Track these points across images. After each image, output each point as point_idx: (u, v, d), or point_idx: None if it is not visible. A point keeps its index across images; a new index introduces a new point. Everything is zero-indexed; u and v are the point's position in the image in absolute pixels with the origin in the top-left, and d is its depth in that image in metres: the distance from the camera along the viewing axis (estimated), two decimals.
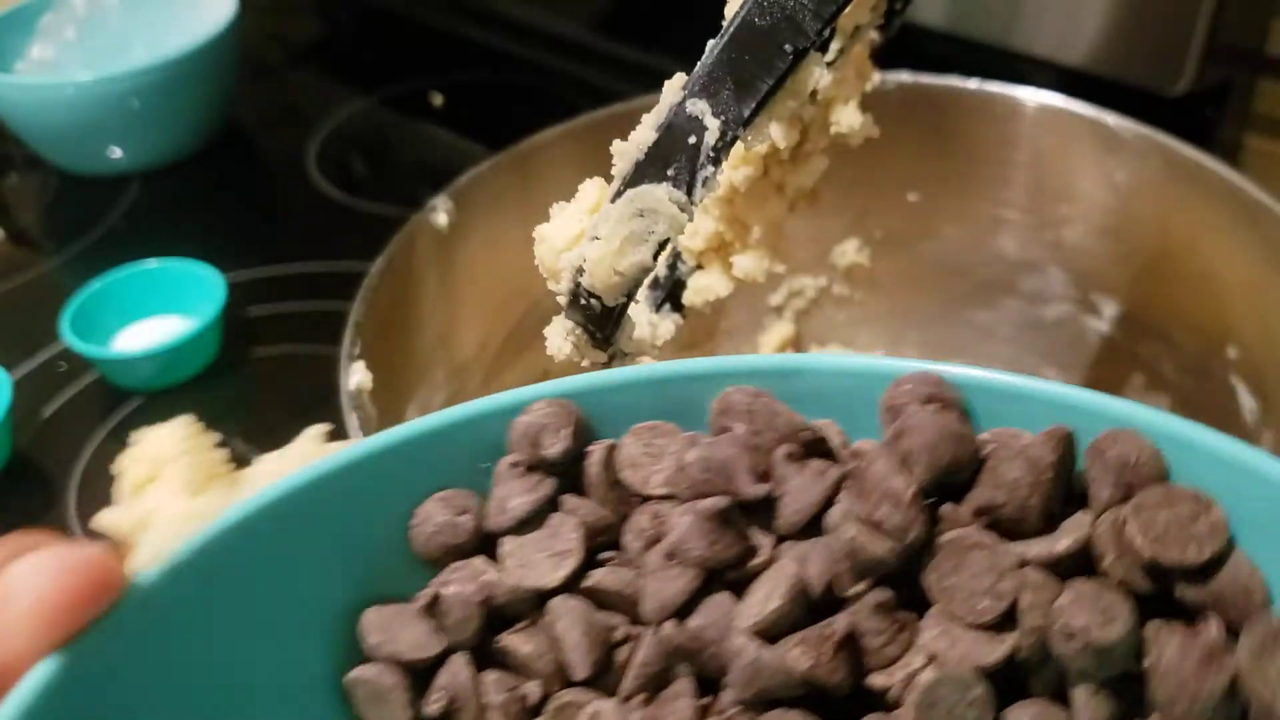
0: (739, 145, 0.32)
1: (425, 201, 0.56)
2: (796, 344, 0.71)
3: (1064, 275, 0.64)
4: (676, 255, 0.45)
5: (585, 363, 0.37)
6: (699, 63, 0.32)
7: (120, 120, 0.95)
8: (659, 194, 0.31)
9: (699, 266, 0.45)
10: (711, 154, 0.31)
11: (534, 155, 0.59)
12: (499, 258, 0.59)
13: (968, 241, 0.66)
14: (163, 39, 1.02)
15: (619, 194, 0.32)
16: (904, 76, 0.62)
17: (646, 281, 0.47)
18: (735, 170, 0.41)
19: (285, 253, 0.87)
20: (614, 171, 0.32)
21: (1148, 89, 0.76)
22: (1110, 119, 0.58)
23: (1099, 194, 0.60)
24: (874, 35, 0.44)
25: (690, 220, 0.31)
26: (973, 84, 0.62)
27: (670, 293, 0.46)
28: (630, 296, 0.33)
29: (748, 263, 0.43)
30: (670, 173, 0.31)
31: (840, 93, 0.40)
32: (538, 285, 0.61)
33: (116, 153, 0.97)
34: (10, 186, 1.05)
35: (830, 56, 0.40)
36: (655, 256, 0.32)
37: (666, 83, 0.32)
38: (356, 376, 0.46)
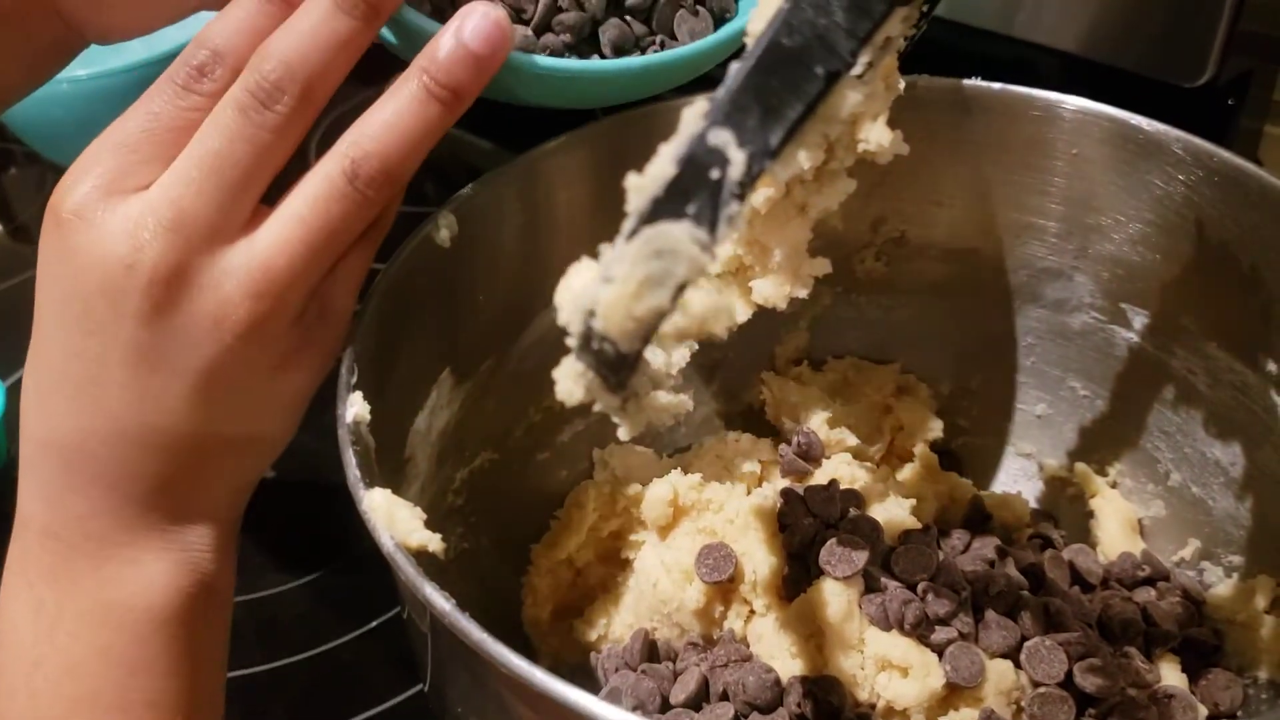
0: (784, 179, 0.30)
1: (427, 193, 0.54)
2: (810, 353, 0.69)
3: (1092, 283, 0.61)
4: None
5: (599, 407, 0.34)
6: (721, 87, 0.29)
7: (117, 116, 0.92)
8: (678, 234, 0.28)
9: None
10: (736, 189, 0.29)
11: (539, 164, 0.56)
12: (502, 273, 0.57)
13: (990, 248, 0.63)
14: (159, 33, 0.99)
15: (634, 232, 0.29)
16: (922, 78, 0.59)
17: None
18: (755, 192, 0.38)
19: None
20: (628, 208, 0.30)
21: (1168, 81, 0.74)
22: (1145, 123, 0.55)
23: (1131, 200, 0.58)
24: (900, 42, 0.41)
25: (713, 261, 0.29)
26: (996, 86, 0.59)
27: None
28: (647, 341, 0.31)
29: (768, 288, 0.40)
30: (691, 210, 0.29)
31: (868, 108, 0.37)
32: (542, 301, 0.59)
33: None
34: (10, 181, 1.02)
35: (859, 70, 0.37)
36: (674, 300, 0.29)
37: (685, 109, 0.30)
38: (354, 408, 0.43)
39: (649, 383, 0.36)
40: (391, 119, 0.41)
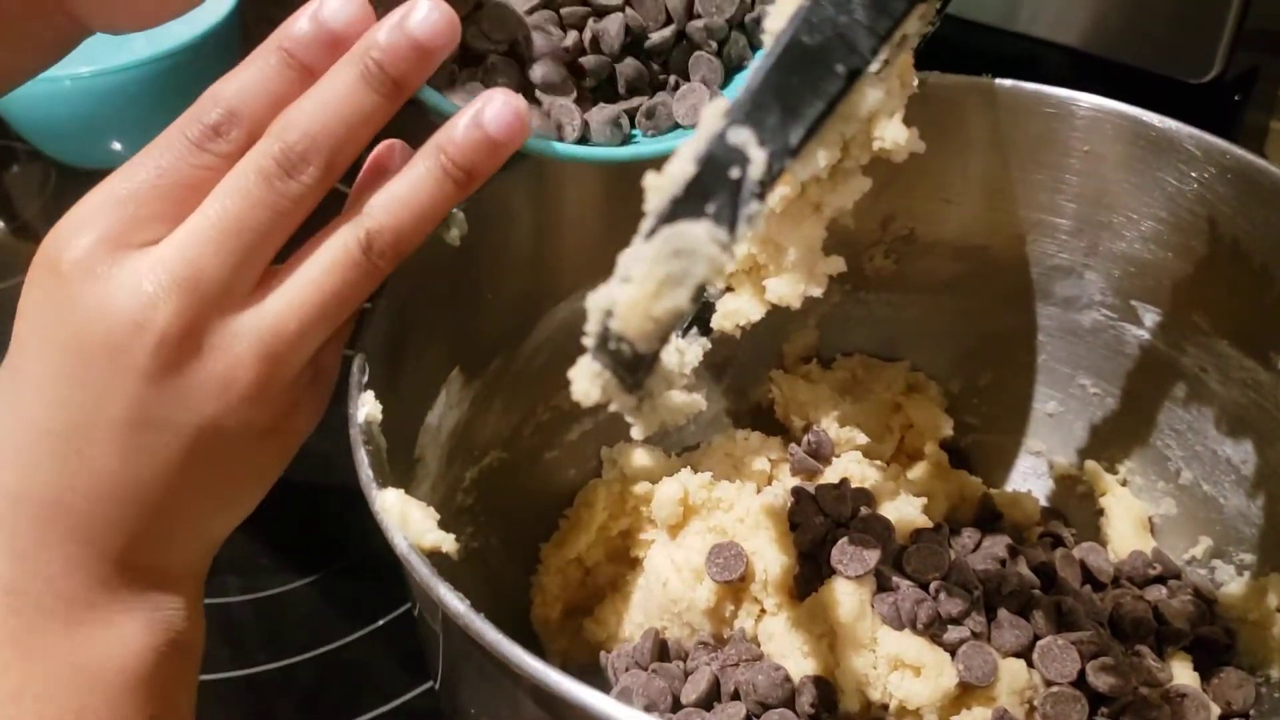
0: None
1: None
2: (819, 350, 0.69)
3: (1103, 281, 0.61)
4: None
5: (614, 407, 0.34)
6: (741, 87, 0.29)
7: (120, 113, 0.92)
8: (698, 233, 0.28)
9: (729, 289, 0.42)
10: (756, 188, 0.28)
11: (549, 163, 0.55)
12: (512, 272, 0.56)
13: (1000, 246, 0.63)
14: (161, 29, 0.99)
15: (653, 232, 0.29)
16: (932, 75, 0.59)
17: None
18: (775, 190, 0.38)
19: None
20: (646, 207, 0.29)
21: (1175, 77, 0.74)
22: (1157, 120, 0.55)
23: (1142, 197, 0.57)
24: (915, 40, 0.41)
25: (732, 260, 0.29)
26: (1008, 83, 0.59)
27: (699, 315, 0.44)
28: (665, 341, 0.30)
29: (782, 286, 0.40)
30: (710, 209, 0.28)
31: (884, 106, 0.37)
32: (551, 299, 0.59)
33: (117, 146, 0.94)
34: (12, 179, 1.02)
35: (875, 67, 0.37)
36: (693, 300, 0.29)
37: (705, 109, 0.29)
38: (366, 408, 0.43)
39: (664, 383, 0.36)
40: (407, 195, 0.41)
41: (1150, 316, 0.60)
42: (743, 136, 0.28)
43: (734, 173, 0.28)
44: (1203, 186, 0.55)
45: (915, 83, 0.43)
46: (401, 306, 0.49)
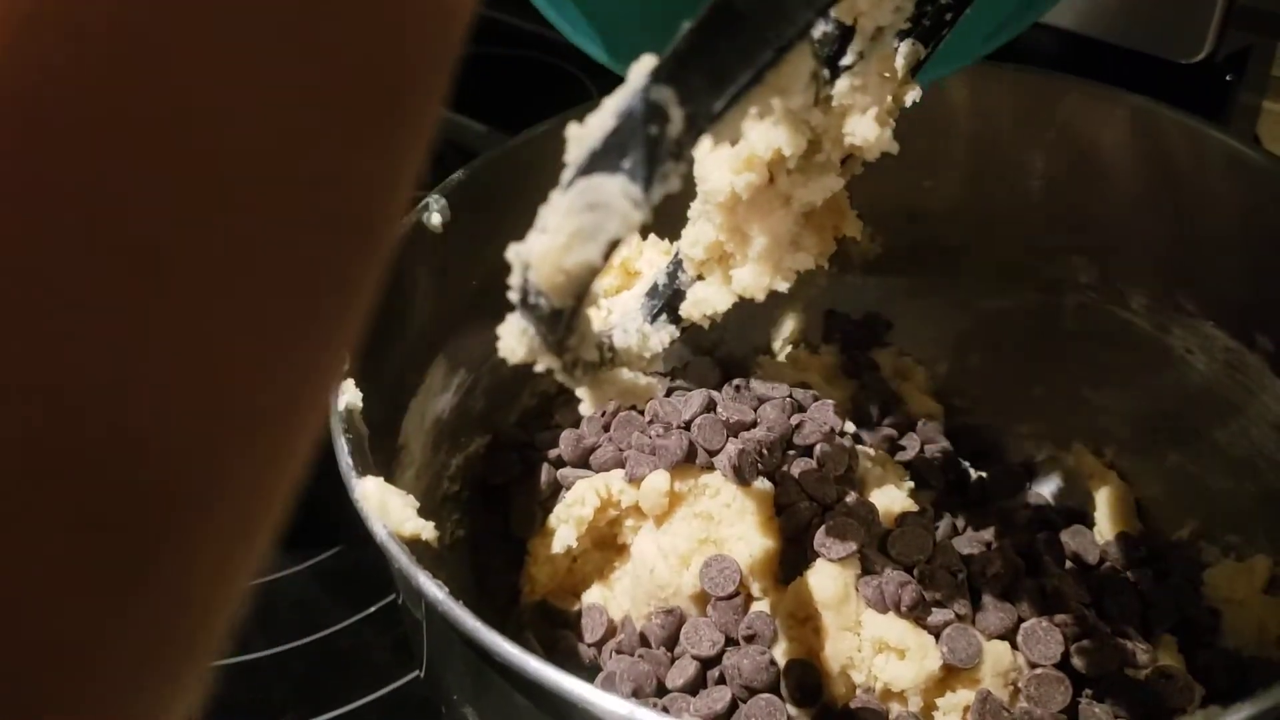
0: (732, 146, 0.29)
1: (420, 179, 0.53)
2: (806, 335, 0.69)
3: (1088, 263, 0.61)
4: (677, 264, 0.42)
5: (540, 367, 0.34)
6: (670, 45, 0.29)
7: None
8: (611, 188, 0.27)
9: (700, 277, 0.42)
10: (673, 148, 0.28)
11: (532, 147, 0.56)
12: (496, 256, 0.56)
13: (985, 228, 0.63)
14: None
15: (570, 184, 0.28)
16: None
17: (644, 290, 0.44)
18: (737, 175, 0.38)
19: None
20: (566, 158, 0.29)
21: (1166, 58, 0.74)
22: (1142, 102, 0.55)
23: (1127, 179, 0.57)
24: (920, 49, 0.40)
25: (645, 219, 0.28)
26: (992, 64, 0.58)
27: (668, 302, 0.43)
28: (580, 299, 0.30)
29: (746, 277, 0.39)
30: (626, 165, 0.28)
31: (858, 101, 0.37)
32: None
33: None
34: None
35: (849, 60, 0.36)
36: (606, 257, 0.28)
37: (634, 65, 0.29)
38: (346, 396, 0.43)
39: (594, 350, 0.36)
40: None
41: (1136, 298, 0.60)
42: (664, 95, 0.28)
43: (652, 129, 0.28)
44: (1187, 169, 0.55)
45: (917, 93, 0.41)
46: (384, 293, 0.49)
